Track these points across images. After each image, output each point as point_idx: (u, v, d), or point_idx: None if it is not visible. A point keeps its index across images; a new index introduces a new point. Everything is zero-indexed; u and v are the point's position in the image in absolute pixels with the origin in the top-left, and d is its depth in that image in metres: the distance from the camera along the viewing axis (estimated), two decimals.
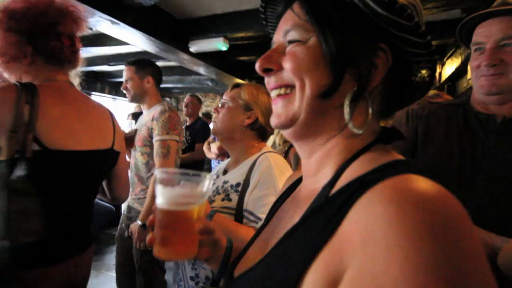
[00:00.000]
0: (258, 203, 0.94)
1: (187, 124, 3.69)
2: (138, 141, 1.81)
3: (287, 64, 0.45)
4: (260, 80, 0.61)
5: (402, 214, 0.30)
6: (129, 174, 1.89)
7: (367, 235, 0.31)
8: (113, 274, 2.61)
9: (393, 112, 0.52)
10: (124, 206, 1.92)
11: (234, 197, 0.99)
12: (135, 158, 1.83)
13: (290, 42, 0.46)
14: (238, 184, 1.01)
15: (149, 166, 1.79)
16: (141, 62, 1.88)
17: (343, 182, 0.40)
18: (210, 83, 5.64)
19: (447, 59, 3.62)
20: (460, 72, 3.38)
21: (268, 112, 1.10)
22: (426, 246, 0.28)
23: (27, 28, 0.98)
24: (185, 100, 3.72)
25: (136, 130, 1.85)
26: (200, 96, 7.55)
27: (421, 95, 0.52)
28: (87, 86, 5.59)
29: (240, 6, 2.73)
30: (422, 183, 0.33)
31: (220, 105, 1.13)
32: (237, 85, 1.16)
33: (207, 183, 0.54)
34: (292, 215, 0.48)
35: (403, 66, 0.46)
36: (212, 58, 3.75)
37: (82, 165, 1.05)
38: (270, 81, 0.49)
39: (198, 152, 3.28)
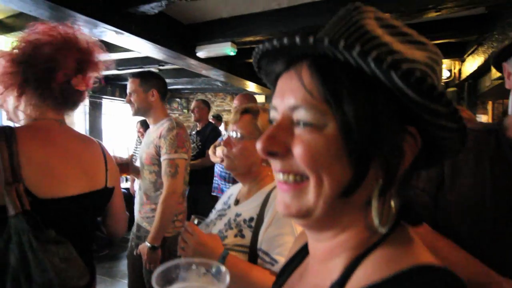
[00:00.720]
0: (274, 243, 0.87)
1: (197, 129, 3.64)
2: (146, 159, 1.76)
3: (298, 152, 0.37)
4: (270, 83, 0.51)
5: None
6: (138, 192, 1.85)
7: None
8: (126, 280, 2.61)
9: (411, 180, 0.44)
10: (135, 217, 1.86)
11: (248, 233, 0.93)
12: (143, 177, 1.79)
13: (301, 123, 0.37)
14: (251, 219, 0.95)
15: (157, 185, 1.74)
16: (145, 75, 1.82)
17: (355, 284, 0.36)
18: (219, 84, 5.57)
19: (468, 56, 3.43)
20: (482, 70, 3.20)
21: None
22: None
23: (27, 63, 0.94)
24: (192, 105, 3.66)
25: (132, 156, 1.80)
26: (210, 96, 7.60)
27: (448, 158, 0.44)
28: (98, 90, 5.62)
29: (247, 9, 2.64)
30: None
31: (231, 137, 1.02)
32: (246, 110, 1.04)
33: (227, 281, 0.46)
34: None
35: (432, 144, 0.40)
36: (221, 62, 3.68)
37: (75, 211, 0.99)
38: (275, 164, 0.41)
39: (209, 158, 3.23)
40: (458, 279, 0.34)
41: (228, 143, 1.02)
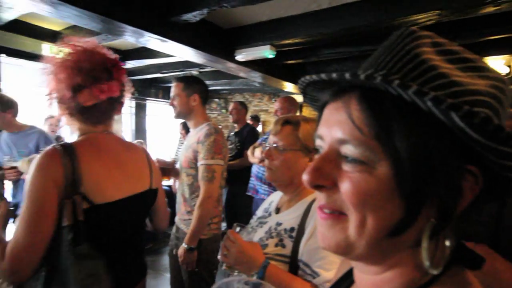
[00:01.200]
0: (315, 255, 0.86)
1: (236, 130, 3.71)
2: (184, 162, 1.82)
3: (346, 189, 0.35)
4: (315, 107, 0.49)
5: None
6: (177, 194, 1.92)
7: None
8: (168, 275, 2.75)
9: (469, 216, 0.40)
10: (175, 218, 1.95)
11: (288, 243, 0.93)
12: (181, 178, 1.86)
13: (349, 158, 0.36)
14: (292, 229, 0.95)
15: (193, 187, 1.79)
16: (188, 80, 1.88)
17: None
18: (257, 84, 5.61)
19: None
20: None
21: None
22: None
23: (59, 88, 1.00)
24: (230, 107, 3.72)
25: (174, 161, 1.86)
26: (248, 97, 7.68)
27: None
28: (142, 92, 5.96)
29: (286, 12, 2.62)
30: None
31: (273, 148, 1.02)
32: (287, 122, 1.04)
33: None
34: None
35: (495, 182, 0.35)
36: (259, 64, 3.70)
37: (126, 211, 1.07)
38: (320, 198, 0.39)
39: (247, 158, 3.28)
40: None
41: (270, 154, 1.02)
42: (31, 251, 0.86)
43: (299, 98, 6.15)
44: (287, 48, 3.17)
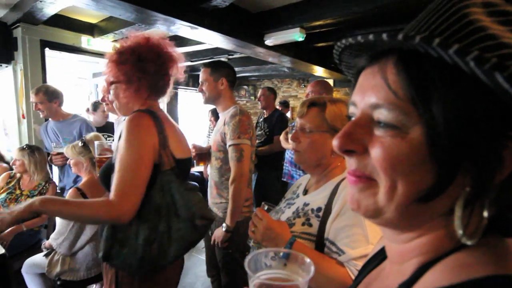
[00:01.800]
0: (341, 233, 0.87)
1: (265, 116, 3.71)
2: (213, 146, 1.87)
3: (376, 155, 0.35)
4: (335, 67, 0.48)
5: None
6: (209, 179, 1.98)
7: None
8: (202, 257, 2.88)
9: None
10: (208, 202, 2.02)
11: (315, 222, 0.94)
12: (211, 164, 1.91)
13: (382, 124, 0.35)
14: (319, 209, 0.96)
15: (222, 171, 1.83)
16: (215, 64, 1.90)
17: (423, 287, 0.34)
18: (286, 70, 5.54)
19: None
20: None
21: None
22: None
23: (146, 67, 1.22)
24: (258, 93, 3.71)
25: (210, 148, 1.91)
26: (276, 82, 7.61)
27: None
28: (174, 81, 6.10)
29: None
30: None
31: (300, 130, 1.02)
32: (313, 103, 1.03)
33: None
34: None
35: None
36: (287, 48, 3.64)
37: (189, 167, 1.35)
38: (350, 163, 0.39)
39: (277, 144, 3.29)
40: None
41: (296, 137, 1.03)
42: (134, 190, 1.06)
43: (329, 82, 6.01)
44: (317, 30, 3.09)
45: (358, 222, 0.85)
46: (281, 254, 0.52)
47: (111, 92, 1.28)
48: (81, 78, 5.03)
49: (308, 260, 0.48)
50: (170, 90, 1.35)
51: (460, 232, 0.32)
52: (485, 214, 0.33)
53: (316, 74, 5.13)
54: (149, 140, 1.12)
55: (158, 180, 1.14)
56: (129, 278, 1.18)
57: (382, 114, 0.35)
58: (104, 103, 2.25)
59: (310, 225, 0.95)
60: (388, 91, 0.34)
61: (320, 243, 0.91)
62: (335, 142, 0.38)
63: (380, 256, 0.51)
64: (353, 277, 0.80)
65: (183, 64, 1.34)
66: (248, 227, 1.80)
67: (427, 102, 0.32)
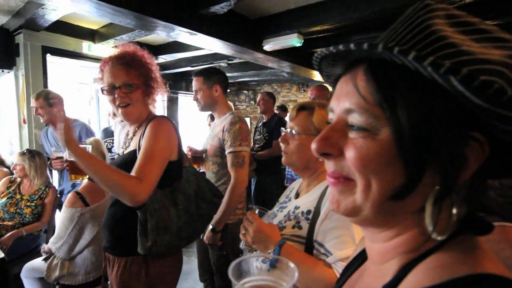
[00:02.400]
0: (329, 235, 0.89)
1: (264, 121, 3.73)
2: (209, 151, 1.89)
3: (350, 156, 0.37)
4: (331, 84, 0.50)
5: None
6: None
7: None
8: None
9: (484, 189, 0.39)
10: None
11: (305, 225, 0.96)
12: (208, 168, 1.93)
13: (354, 127, 0.37)
14: (308, 212, 0.98)
15: (219, 175, 1.86)
16: (208, 72, 1.92)
17: None
18: (285, 74, 5.58)
19: None
20: None
21: None
22: None
23: (150, 71, 1.36)
24: (257, 98, 3.74)
25: (205, 151, 1.94)
26: (276, 87, 7.65)
27: None
28: (174, 86, 6.15)
29: None
30: None
31: (288, 134, 1.05)
32: (302, 107, 1.06)
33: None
34: None
35: (503, 153, 0.36)
36: (286, 53, 3.67)
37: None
38: (328, 165, 0.41)
39: (276, 148, 3.32)
40: None
41: (285, 139, 1.06)
42: (153, 177, 1.21)
43: (330, 88, 6.04)
44: (315, 36, 3.12)
45: (345, 224, 0.86)
46: (264, 260, 0.52)
47: (118, 96, 1.29)
48: (82, 84, 5.06)
49: (292, 265, 0.48)
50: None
51: (430, 228, 0.35)
52: (454, 211, 0.35)
53: (315, 79, 5.16)
54: (172, 140, 1.32)
55: (184, 174, 1.41)
56: (137, 264, 1.30)
57: (354, 118, 0.37)
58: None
59: (300, 227, 0.97)
60: (358, 97, 0.37)
61: (309, 245, 0.93)
62: (313, 146, 0.40)
63: (361, 258, 0.53)
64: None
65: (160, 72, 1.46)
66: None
67: (393, 106, 0.34)
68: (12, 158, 3.42)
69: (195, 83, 1.89)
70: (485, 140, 0.34)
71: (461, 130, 0.34)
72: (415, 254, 0.38)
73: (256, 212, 1.03)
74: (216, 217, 1.76)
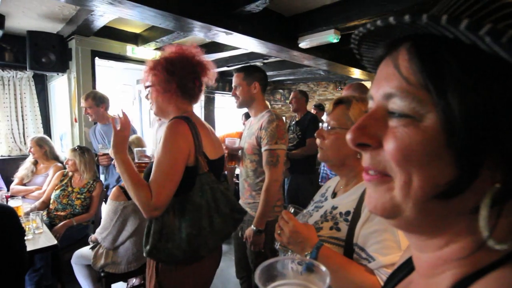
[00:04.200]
0: (371, 239, 0.83)
1: (296, 119, 3.67)
2: (247, 149, 1.90)
3: (389, 148, 0.33)
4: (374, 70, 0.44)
5: None
6: (240, 180, 2.02)
7: None
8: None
9: None
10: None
11: (344, 227, 0.92)
12: (245, 165, 1.94)
13: (396, 114, 0.33)
14: (348, 213, 0.93)
15: (257, 173, 1.86)
16: (248, 69, 1.94)
17: None
18: (322, 72, 5.46)
19: None
20: None
21: None
22: None
23: (176, 71, 1.32)
24: (290, 97, 3.69)
25: (242, 149, 1.95)
26: (312, 86, 7.52)
27: None
28: (211, 86, 6.28)
29: None
30: None
31: (324, 128, 1.01)
32: (339, 101, 1.01)
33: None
34: None
35: None
36: (323, 51, 3.59)
37: (221, 167, 1.45)
38: (365, 158, 0.37)
39: (310, 147, 3.26)
40: None
41: (321, 134, 1.01)
42: (167, 193, 1.19)
43: (368, 85, 5.82)
44: (352, 31, 3.01)
45: (389, 227, 0.81)
46: (304, 264, 0.50)
47: (148, 96, 1.40)
48: (126, 85, 5.38)
49: (324, 268, 0.45)
50: (201, 95, 1.44)
51: (485, 233, 0.29)
52: None
53: (353, 76, 4.99)
54: (185, 146, 1.23)
55: (197, 182, 1.27)
56: (169, 269, 1.30)
57: (395, 104, 0.32)
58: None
59: (339, 229, 0.92)
60: (400, 79, 0.32)
61: (349, 248, 0.88)
62: (348, 136, 0.36)
63: (407, 267, 0.47)
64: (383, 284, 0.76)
65: (214, 70, 1.45)
66: None
67: (442, 87, 0.29)
68: (65, 154, 3.74)
69: (235, 79, 1.91)
70: None
71: None
72: (473, 268, 0.32)
73: (291, 211, 1.00)
74: (256, 218, 1.77)
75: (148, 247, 1.26)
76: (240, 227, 1.97)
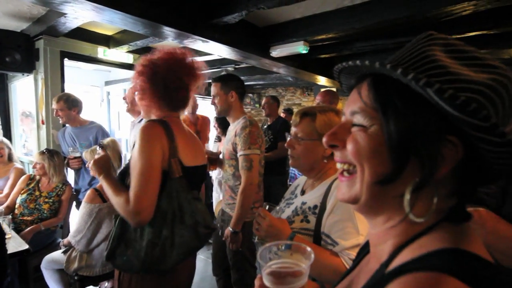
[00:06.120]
0: (335, 227, 1.00)
1: (268, 123, 3.86)
2: (226, 155, 2.02)
3: (349, 146, 0.47)
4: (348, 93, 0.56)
5: None
6: (222, 182, 2.13)
7: None
8: (209, 258, 3.01)
9: (473, 191, 0.46)
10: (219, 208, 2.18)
11: (312, 219, 1.07)
12: (225, 170, 2.05)
13: (355, 124, 0.47)
14: (315, 207, 1.09)
15: (235, 176, 1.98)
16: (225, 78, 2.04)
17: (396, 264, 0.43)
18: (290, 78, 5.71)
19: None
20: None
21: None
22: None
23: (159, 79, 1.29)
24: (262, 102, 3.85)
25: (219, 154, 2.05)
26: (281, 91, 7.78)
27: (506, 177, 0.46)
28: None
29: (319, 9, 2.71)
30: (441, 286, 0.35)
31: (293, 139, 1.16)
32: (305, 114, 1.16)
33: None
34: (358, 284, 0.54)
35: (479, 157, 0.42)
36: (292, 59, 3.81)
37: (199, 175, 1.41)
38: (336, 154, 0.52)
39: (281, 150, 3.44)
40: (488, 266, 0.39)
41: (291, 144, 1.16)
42: (147, 196, 1.15)
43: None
44: (320, 44, 3.24)
45: (349, 216, 0.98)
46: (284, 246, 0.63)
47: (127, 97, 1.43)
48: (94, 86, 5.24)
49: (309, 249, 0.59)
50: (189, 101, 1.42)
51: (407, 210, 0.43)
52: (434, 200, 0.43)
53: (319, 83, 5.28)
54: (158, 148, 1.19)
55: (167, 187, 1.21)
56: (128, 277, 1.25)
57: (357, 118, 0.47)
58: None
59: (308, 221, 1.08)
60: (361, 102, 0.47)
61: (317, 237, 1.04)
62: (324, 139, 0.51)
63: (367, 247, 0.62)
64: (347, 265, 0.93)
65: (202, 74, 1.42)
66: None
67: (385, 110, 0.44)
68: (30, 157, 3.58)
69: (213, 88, 2.00)
70: (460, 143, 0.41)
71: (439, 134, 0.41)
72: (406, 237, 0.45)
73: (267, 208, 1.14)
74: (232, 219, 1.88)
75: (106, 252, 1.23)
76: (220, 226, 2.08)
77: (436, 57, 0.42)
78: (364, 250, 0.63)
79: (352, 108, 0.48)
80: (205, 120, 3.82)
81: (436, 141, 0.41)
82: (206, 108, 6.93)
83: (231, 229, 1.87)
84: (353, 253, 0.93)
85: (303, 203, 1.14)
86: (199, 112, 3.82)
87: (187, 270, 1.38)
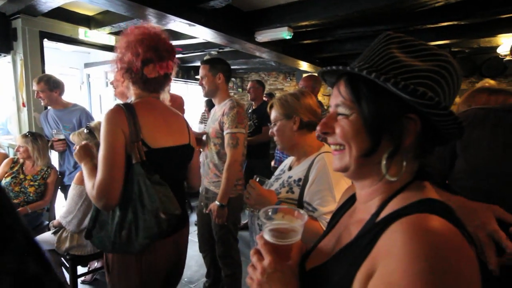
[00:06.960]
0: (315, 196, 1.15)
1: (253, 107, 3.92)
2: (211, 133, 2.11)
3: (337, 131, 0.60)
4: (320, 62, 0.71)
5: (411, 242, 0.45)
6: (205, 161, 2.22)
7: (388, 252, 0.47)
8: (194, 238, 3.11)
9: (430, 152, 0.60)
10: (201, 188, 2.27)
11: (296, 190, 1.22)
12: (209, 148, 2.15)
13: (340, 114, 0.60)
14: (299, 180, 1.24)
15: (220, 154, 2.09)
16: (213, 61, 2.13)
17: (385, 213, 0.55)
18: (273, 63, 5.78)
19: None
20: None
21: (305, 108, 1.28)
22: (422, 265, 0.42)
23: (132, 60, 1.27)
24: (248, 86, 3.92)
25: (206, 134, 2.14)
26: (263, 75, 7.83)
27: (454, 139, 0.59)
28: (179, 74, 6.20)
29: None
30: (433, 222, 0.46)
31: (271, 127, 1.34)
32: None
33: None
34: (349, 233, 0.63)
35: (433, 127, 0.55)
36: (276, 44, 3.88)
37: (173, 156, 1.37)
38: (329, 139, 0.63)
39: (265, 134, 3.54)
40: (448, 206, 0.53)
41: (272, 132, 1.35)
42: (112, 181, 1.16)
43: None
44: (303, 30, 3.33)
45: (328, 187, 1.13)
46: (271, 210, 0.72)
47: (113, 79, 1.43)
48: (73, 68, 5.09)
49: (302, 211, 0.70)
50: (166, 83, 1.41)
51: (384, 171, 0.56)
52: (404, 164, 0.56)
53: (301, 68, 5.39)
54: (120, 132, 1.18)
55: (130, 171, 1.22)
56: (111, 255, 1.31)
57: (340, 109, 0.60)
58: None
59: (293, 192, 1.23)
60: (340, 96, 0.60)
61: (300, 205, 1.19)
62: (317, 128, 0.64)
63: (350, 201, 0.76)
64: (324, 227, 1.08)
65: (175, 57, 1.39)
66: (240, 202, 2.08)
67: (359, 101, 0.57)
68: (10, 140, 3.51)
69: (201, 70, 2.10)
70: (418, 118, 0.54)
71: (401, 113, 0.54)
72: (389, 193, 0.58)
73: (257, 179, 1.28)
74: (219, 194, 2.00)
75: (85, 231, 1.31)
76: (205, 203, 2.19)
77: (393, 54, 0.55)
78: (346, 205, 0.76)
79: (335, 101, 0.61)
80: (177, 100, 3.82)
81: (400, 119, 0.54)
82: (178, 90, 6.97)
83: (218, 203, 1.99)
84: (329, 217, 1.07)
85: (289, 177, 1.29)
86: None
87: (169, 250, 1.38)
